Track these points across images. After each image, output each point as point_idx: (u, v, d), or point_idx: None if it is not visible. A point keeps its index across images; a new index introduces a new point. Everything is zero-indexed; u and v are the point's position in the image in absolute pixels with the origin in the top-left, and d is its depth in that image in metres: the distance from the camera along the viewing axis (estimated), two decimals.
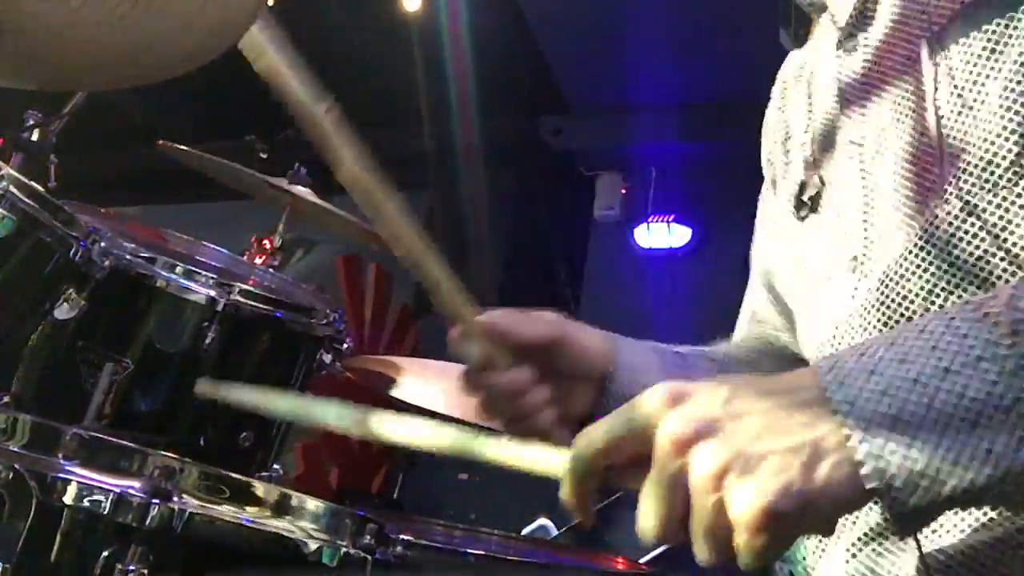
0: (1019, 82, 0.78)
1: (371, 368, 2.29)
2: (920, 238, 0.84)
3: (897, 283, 0.86)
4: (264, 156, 3.16)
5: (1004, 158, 0.78)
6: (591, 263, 5.20)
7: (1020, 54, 0.78)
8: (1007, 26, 0.80)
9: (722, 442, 0.62)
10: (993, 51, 0.81)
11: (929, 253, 0.83)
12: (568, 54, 4.68)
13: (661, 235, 4.93)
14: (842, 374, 0.64)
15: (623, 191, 5.11)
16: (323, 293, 1.91)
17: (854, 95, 0.95)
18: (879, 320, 0.87)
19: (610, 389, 1.02)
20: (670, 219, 4.91)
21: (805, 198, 1.02)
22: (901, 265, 0.85)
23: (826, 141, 0.98)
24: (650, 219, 4.94)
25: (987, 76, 0.81)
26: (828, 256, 0.97)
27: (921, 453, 0.61)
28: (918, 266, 0.84)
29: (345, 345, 1.75)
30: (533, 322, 1.01)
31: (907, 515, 0.62)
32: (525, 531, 2.28)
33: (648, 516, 0.64)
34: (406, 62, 4.54)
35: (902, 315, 0.85)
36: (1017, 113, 0.78)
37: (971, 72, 0.82)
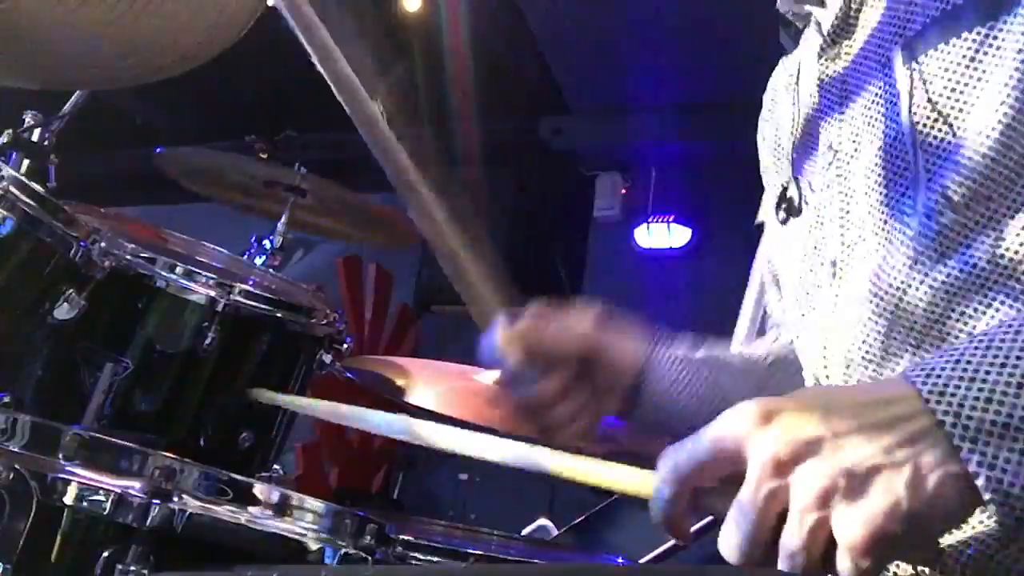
0: (1003, 91, 0.77)
1: (371, 368, 2.29)
2: (895, 245, 0.83)
3: (884, 292, 0.84)
4: (264, 156, 3.16)
5: (986, 167, 0.77)
6: (591, 263, 5.20)
7: (1007, 62, 0.77)
8: (987, 35, 0.79)
9: (826, 461, 0.60)
10: (973, 59, 0.80)
11: (905, 264, 0.82)
12: (568, 54, 4.68)
13: (661, 235, 4.93)
14: (940, 383, 0.63)
15: (623, 191, 5.11)
16: (323, 293, 1.91)
17: (833, 101, 0.95)
18: (869, 328, 0.86)
19: (638, 399, 1.05)
20: (670, 219, 4.91)
21: (784, 204, 1.02)
22: (883, 272, 0.85)
23: (807, 147, 0.99)
24: (650, 219, 4.94)
25: (966, 85, 0.80)
26: (809, 262, 0.98)
27: None
28: (897, 274, 0.83)
29: (345, 345, 1.74)
30: (569, 332, 1.03)
31: None
32: (525, 531, 2.28)
33: (735, 536, 0.62)
34: (406, 62, 4.54)
35: (891, 323, 0.84)
36: (999, 123, 0.77)
37: (948, 81, 0.81)
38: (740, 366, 1.16)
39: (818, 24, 0.99)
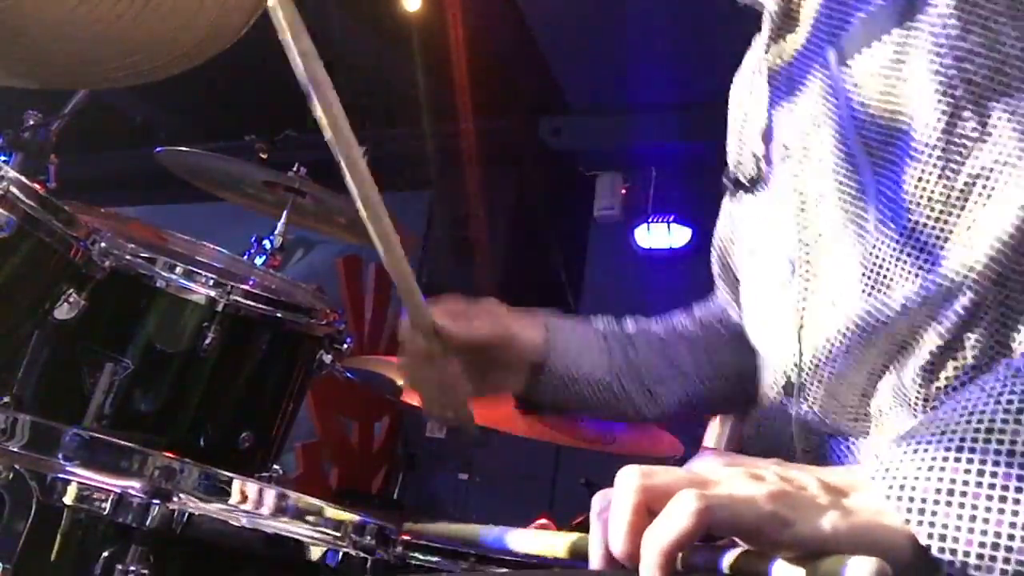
0: (935, 90, 0.75)
1: (371, 368, 2.29)
2: (856, 250, 0.82)
3: (850, 298, 0.83)
4: (264, 156, 3.16)
5: (923, 169, 0.76)
6: (591, 263, 5.20)
7: (929, 62, 0.76)
8: (906, 36, 0.78)
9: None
10: (899, 61, 0.79)
11: (870, 270, 0.81)
12: (568, 54, 4.68)
13: (661, 235, 4.93)
14: (899, 480, 0.60)
15: (623, 191, 5.11)
16: (323, 293, 1.91)
17: (782, 94, 0.94)
18: (838, 334, 0.85)
19: (542, 379, 1.16)
20: (670, 219, 4.91)
21: (741, 178, 1.04)
22: (848, 277, 0.83)
23: (768, 137, 0.98)
24: (650, 219, 4.94)
25: (893, 87, 0.79)
26: (765, 256, 0.98)
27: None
28: (862, 280, 0.81)
29: (345, 345, 1.74)
30: (474, 321, 1.13)
31: None
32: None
33: None
34: (406, 62, 4.54)
35: (862, 329, 0.82)
36: (927, 124, 0.76)
37: (878, 82, 0.80)
38: (662, 333, 1.25)
39: (769, 15, 0.97)
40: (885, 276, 0.80)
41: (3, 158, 1.89)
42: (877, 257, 0.80)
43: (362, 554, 1.01)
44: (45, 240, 1.32)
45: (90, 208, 1.62)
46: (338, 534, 1.02)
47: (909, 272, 0.78)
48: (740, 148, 1.06)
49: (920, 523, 0.58)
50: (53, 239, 1.34)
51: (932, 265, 0.77)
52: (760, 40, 1.01)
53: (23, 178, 1.26)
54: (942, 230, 0.77)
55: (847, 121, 0.83)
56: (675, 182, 4.96)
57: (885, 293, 0.80)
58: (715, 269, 1.24)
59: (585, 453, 2.59)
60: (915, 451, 0.61)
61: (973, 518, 0.57)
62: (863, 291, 0.82)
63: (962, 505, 0.57)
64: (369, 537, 1.02)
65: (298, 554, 1.00)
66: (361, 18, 4.49)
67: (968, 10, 0.75)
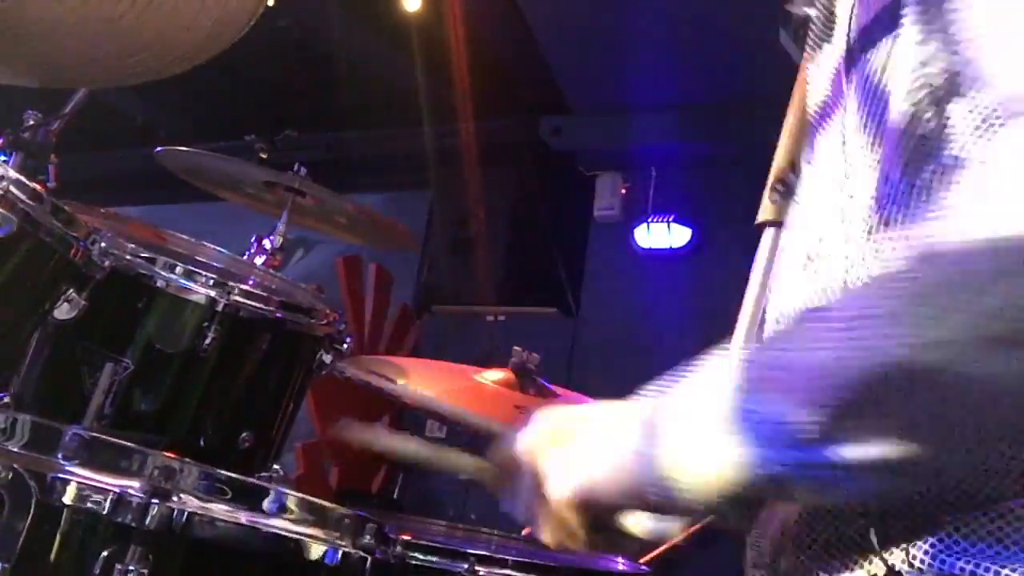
0: (909, 103, 0.75)
1: (371, 368, 2.29)
2: (853, 270, 0.82)
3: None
4: (264, 156, 3.16)
5: (889, 170, 0.76)
6: (591, 263, 5.20)
7: (906, 74, 0.75)
8: (892, 45, 0.78)
9: None
10: (884, 70, 0.79)
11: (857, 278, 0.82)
12: (568, 54, 4.68)
13: (661, 235, 4.93)
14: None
15: (623, 191, 5.11)
16: (323, 293, 1.91)
17: (816, 109, 0.95)
18: None
19: None
20: (670, 219, 4.90)
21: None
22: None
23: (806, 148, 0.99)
24: (650, 219, 4.94)
25: (878, 97, 0.79)
26: (782, 263, 0.99)
27: None
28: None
29: (345, 345, 1.74)
30: None
31: None
32: (525, 531, 2.28)
33: None
34: (406, 62, 4.54)
35: None
36: (900, 139, 0.75)
37: (868, 93, 0.81)
38: None
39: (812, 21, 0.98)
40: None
41: (3, 158, 1.89)
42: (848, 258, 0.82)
43: (362, 554, 1.01)
44: (45, 240, 1.32)
45: (90, 208, 1.62)
46: (338, 534, 1.02)
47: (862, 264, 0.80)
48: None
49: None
50: (53, 239, 1.34)
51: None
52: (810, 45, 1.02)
53: (23, 178, 1.26)
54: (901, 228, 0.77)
55: (839, 136, 0.85)
56: (675, 182, 4.95)
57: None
58: None
59: None
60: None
61: None
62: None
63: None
64: (369, 537, 1.02)
65: (298, 554, 1.01)
66: (361, 18, 4.49)
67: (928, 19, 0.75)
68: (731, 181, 3.50)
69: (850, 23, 0.89)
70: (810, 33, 0.98)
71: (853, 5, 0.89)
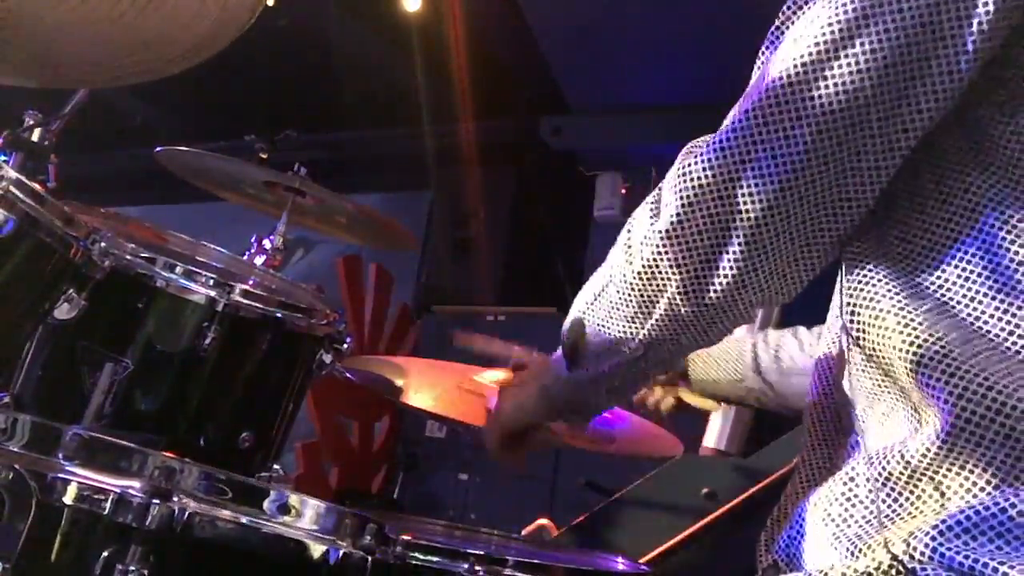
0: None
1: (371, 368, 2.28)
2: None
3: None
4: (264, 156, 3.16)
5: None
6: (591, 263, 5.19)
7: None
8: None
9: None
10: None
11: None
12: (568, 54, 4.68)
13: None
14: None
15: (623, 191, 5.11)
16: (323, 293, 1.91)
17: None
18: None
19: None
20: None
21: None
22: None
23: None
24: None
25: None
26: None
27: None
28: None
29: (345, 345, 1.74)
30: None
31: None
32: (525, 531, 2.28)
33: None
34: (406, 62, 4.54)
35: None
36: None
37: None
38: None
39: None
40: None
41: (3, 158, 1.89)
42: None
43: (362, 554, 1.01)
44: (45, 240, 1.32)
45: (90, 208, 1.62)
46: (338, 534, 1.02)
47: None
48: None
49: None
50: (53, 239, 1.33)
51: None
52: None
53: (23, 178, 1.26)
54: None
55: None
56: None
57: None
58: None
59: (585, 454, 2.59)
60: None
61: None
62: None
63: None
64: (369, 537, 1.02)
65: (298, 554, 1.01)
66: (361, 18, 4.49)
67: None
68: None
69: None
70: None
71: None
